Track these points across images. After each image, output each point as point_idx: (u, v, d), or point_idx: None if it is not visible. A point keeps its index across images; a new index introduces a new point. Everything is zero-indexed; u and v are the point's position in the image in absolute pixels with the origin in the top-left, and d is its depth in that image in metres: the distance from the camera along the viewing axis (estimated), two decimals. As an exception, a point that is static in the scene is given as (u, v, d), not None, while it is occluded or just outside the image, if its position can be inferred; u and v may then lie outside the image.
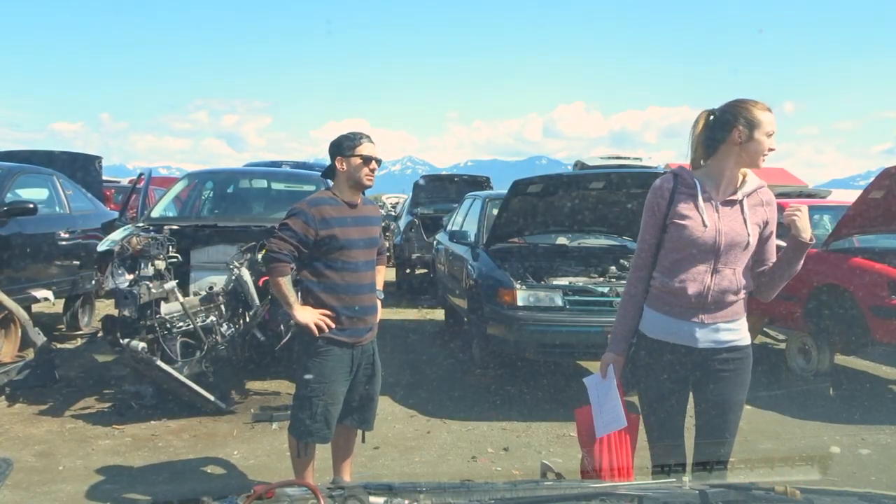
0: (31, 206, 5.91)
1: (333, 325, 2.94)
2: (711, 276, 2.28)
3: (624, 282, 5.37)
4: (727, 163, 2.30)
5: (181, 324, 4.75)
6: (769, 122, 2.24)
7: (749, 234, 2.28)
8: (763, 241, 2.36)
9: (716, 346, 2.32)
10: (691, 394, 2.44)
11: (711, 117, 2.32)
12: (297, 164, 11.35)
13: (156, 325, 4.61)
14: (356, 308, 3.00)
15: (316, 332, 2.91)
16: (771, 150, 2.27)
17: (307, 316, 2.92)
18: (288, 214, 2.99)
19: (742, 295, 2.35)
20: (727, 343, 2.33)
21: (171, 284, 4.73)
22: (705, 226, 2.26)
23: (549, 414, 4.86)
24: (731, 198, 2.31)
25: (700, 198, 2.28)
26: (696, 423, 2.45)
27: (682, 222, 2.28)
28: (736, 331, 2.34)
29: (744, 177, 2.34)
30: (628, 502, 1.33)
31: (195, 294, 4.99)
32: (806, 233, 2.25)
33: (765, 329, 6.76)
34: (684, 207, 2.29)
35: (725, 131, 2.26)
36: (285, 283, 2.94)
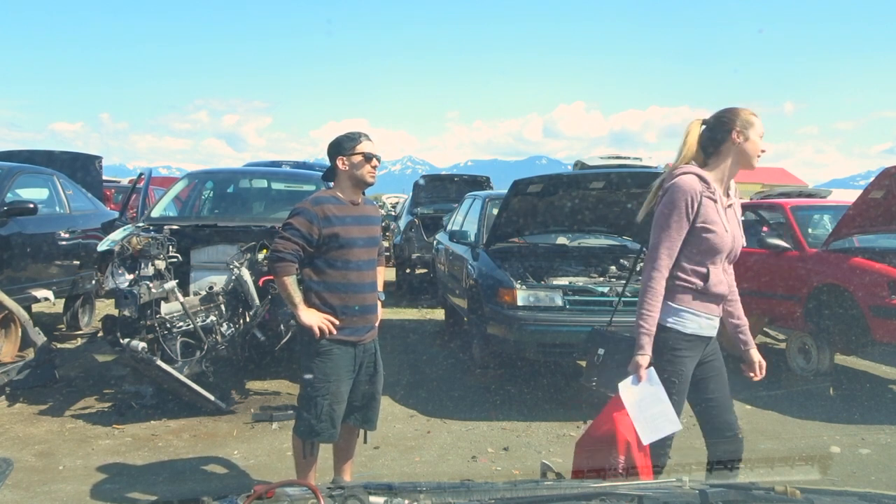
0: (31, 206, 5.91)
1: (336, 331, 2.94)
2: (725, 275, 2.47)
3: (623, 282, 5.37)
4: (727, 164, 2.41)
5: (181, 324, 4.75)
6: (760, 124, 2.39)
7: (743, 236, 2.49)
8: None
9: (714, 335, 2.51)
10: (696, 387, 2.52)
11: (704, 126, 2.46)
12: (296, 164, 11.35)
13: (156, 324, 4.61)
14: (357, 307, 3.00)
15: (318, 334, 2.91)
16: (763, 151, 2.41)
17: (311, 318, 2.91)
18: (291, 214, 2.98)
19: None
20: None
21: (171, 284, 4.73)
22: (726, 231, 2.37)
23: (549, 414, 4.87)
24: (730, 200, 2.44)
25: (719, 202, 2.39)
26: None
27: (711, 227, 2.34)
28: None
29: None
30: (628, 502, 1.33)
31: (195, 294, 4.98)
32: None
33: (765, 329, 6.76)
34: (710, 212, 2.34)
35: (725, 132, 2.38)
36: (291, 282, 2.93)
